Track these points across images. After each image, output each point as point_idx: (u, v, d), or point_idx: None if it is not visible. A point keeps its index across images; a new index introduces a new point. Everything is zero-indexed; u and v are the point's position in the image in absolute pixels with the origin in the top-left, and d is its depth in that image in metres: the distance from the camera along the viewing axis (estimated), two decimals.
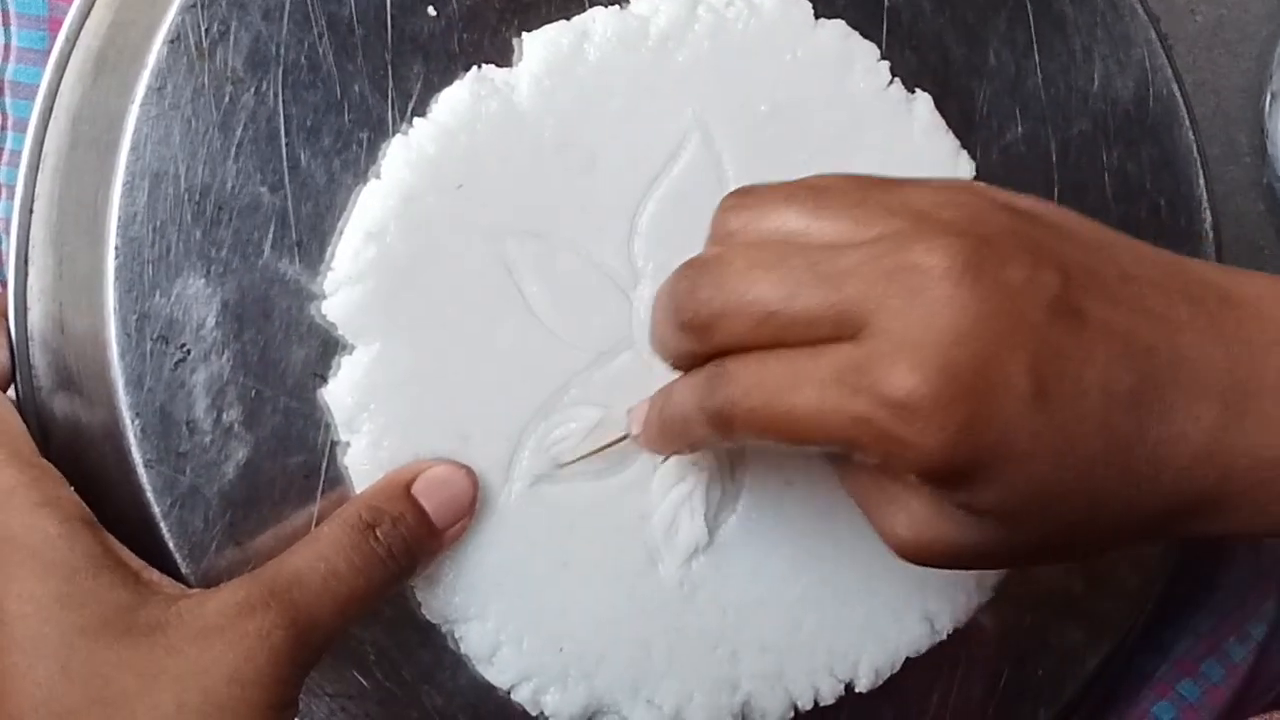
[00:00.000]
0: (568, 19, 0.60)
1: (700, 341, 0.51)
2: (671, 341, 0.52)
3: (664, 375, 0.58)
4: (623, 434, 0.59)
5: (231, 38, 0.56)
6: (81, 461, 0.56)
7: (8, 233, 0.60)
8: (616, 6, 0.61)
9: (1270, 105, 0.81)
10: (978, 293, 0.46)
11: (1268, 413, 0.49)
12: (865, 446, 0.47)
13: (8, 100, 0.67)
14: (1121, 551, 0.66)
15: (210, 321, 0.55)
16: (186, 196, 0.55)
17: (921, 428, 0.46)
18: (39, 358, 0.59)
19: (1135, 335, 0.48)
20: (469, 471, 0.58)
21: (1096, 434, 0.48)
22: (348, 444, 0.57)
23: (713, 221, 0.52)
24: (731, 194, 0.53)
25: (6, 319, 0.59)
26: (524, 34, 0.60)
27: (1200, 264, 0.53)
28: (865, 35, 0.64)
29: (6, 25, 0.67)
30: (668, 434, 0.55)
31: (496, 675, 0.59)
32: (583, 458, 0.59)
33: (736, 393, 0.49)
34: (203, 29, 0.56)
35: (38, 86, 0.59)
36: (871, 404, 0.46)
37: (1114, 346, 0.48)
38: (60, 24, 0.60)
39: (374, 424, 0.57)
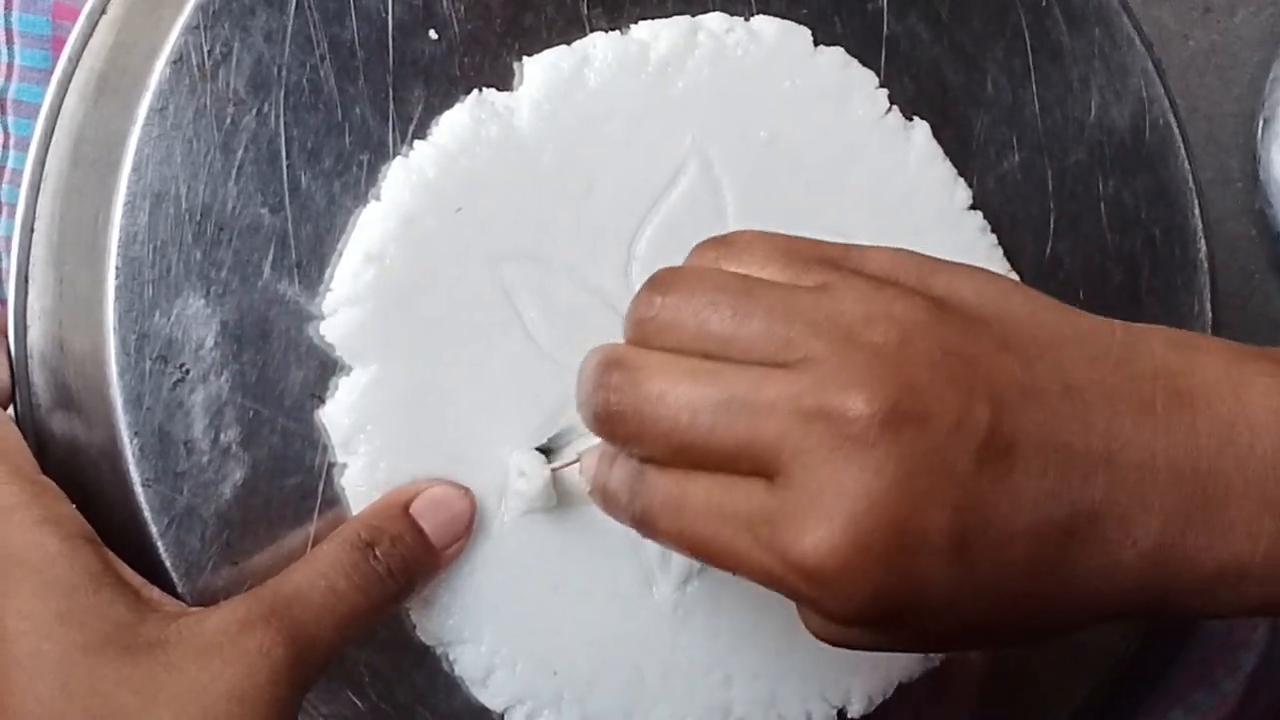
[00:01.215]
0: (568, 44, 0.60)
1: (620, 444, 0.50)
2: (593, 428, 0.51)
3: None
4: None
5: (234, 59, 0.56)
6: (79, 480, 0.56)
7: (8, 251, 0.60)
8: (617, 32, 0.61)
9: (1262, 131, 0.81)
10: (896, 451, 0.44)
11: (1210, 525, 0.48)
12: (779, 591, 0.47)
13: (9, 119, 0.67)
14: None
15: (209, 342, 0.55)
16: (187, 217, 0.55)
17: (829, 593, 0.45)
18: (38, 376, 0.59)
19: (1071, 462, 0.46)
20: (467, 492, 0.58)
21: (1022, 576, 0.47)
22: (344, 465, 0.57)
23: (630, 310, 0.50)
24: (650, 282, 0.50)
25: (6, 337, 0.59)
26: (525, 58, 0.60)
27: (1156, 338, 0.50)
28: (864, 63, 0.64)
29: (9, 44, 0.67)
30: (606, 506, 0.54)
31: (490, 698, 0.59)
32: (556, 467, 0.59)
33: (655, 507, 0.49)
34: (205, 50, 0.56)
35: (39, 105, 0.59)
36: (780, 565, 0.45)
37: (1045, 483, 0.46)
38: (63, 43, 0.60)
39: (371, 446, 0.57)
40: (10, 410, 0.59)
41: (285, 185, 0.56)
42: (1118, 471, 0.47)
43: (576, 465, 0.56)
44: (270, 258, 0.56)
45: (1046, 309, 0.49)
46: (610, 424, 0.49)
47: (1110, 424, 0.47)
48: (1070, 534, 0.47)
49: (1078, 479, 0.46)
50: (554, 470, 0.59)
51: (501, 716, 0.60)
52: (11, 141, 0.67)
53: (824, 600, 0.46)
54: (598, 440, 0.52)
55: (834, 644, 0.50)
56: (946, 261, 0.50)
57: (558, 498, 0.59)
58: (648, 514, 0.49)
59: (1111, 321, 0.50)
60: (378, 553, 0.54)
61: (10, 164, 0.67)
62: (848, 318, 0.46)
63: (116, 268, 0.55)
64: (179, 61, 0.56)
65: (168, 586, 0.55)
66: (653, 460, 0.49)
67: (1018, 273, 0.65)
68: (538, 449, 0.59)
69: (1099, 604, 0.48)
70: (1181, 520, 0.47)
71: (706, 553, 0.48)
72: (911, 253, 0.50)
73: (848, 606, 0.46)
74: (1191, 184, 0.69)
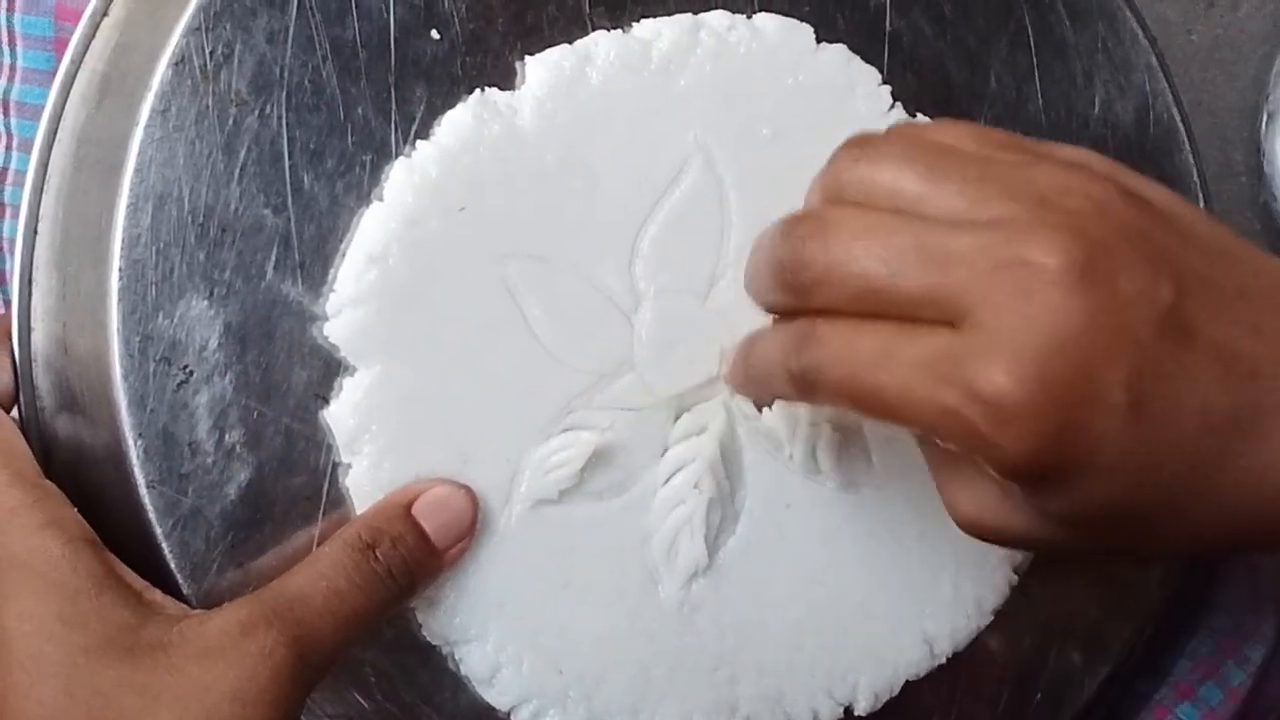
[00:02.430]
0: (570, 42, 0.60)
1: (798, 301, 0.49)
2: (768, 295, 0.51)
3: (667, 395, 0.59)
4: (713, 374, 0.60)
5: (236, 60, 0.56)
6: (84, 482, 0.57)
7: (12, 253, 0.60)
8: (619, 30, 0.61)
9: (1266, 124, 0.81)
10: (1086, 302, 0.45)
11: None
12: (949, 437, 0.46)
13: (12, 120, 0.67)
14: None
15: (213, 343, 0.56)
16: (190, 218, 0.55)
17: (1009, 431, 0.45)
18: (42, 378, 0.59)
19: (1241, 358, 0.47)
20: (469, 492, 0.58)
21: (1185, 455, 0.47)
22: (349, 465, 0.57)
23: (825, 169, 0.51)
24: (847, 143, 0.51)
25: (10, 340, 0.59)
26: (527, 57, 0.60)
27: None
28: (867, 60, 0.64)
29: (12, 46, 0.67)
30: (752, 381, 0.55)
31: (496, 697, 0.59)
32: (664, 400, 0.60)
33: (825, 358, 0.48)
34: (207, 52, 0.56)
35: (42, 107, 0.60)
36: (962, 398, 0.45)
37: (1217, 368, 0.47)
38: (65, 45, 0.60)
39: (375, 445, 0.57)
40: (14, 413, 0.59)
41: (288, 186, 0.56)
42: None
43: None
44: (273, 259, 0.56)
45: (1223, 229, 0.50)
46: (796, 271, 0.49)
47: (1278, 333, 0.48)
48: (1235, 425, 0.47)
49: (1245, 375, 0.47)
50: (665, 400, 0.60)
51: (508, 715, 0.60)
52: (14, 143, 0.67)
53: (1001, 437, 0.45)
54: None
55: (979, 526, 0.51)
56: (1130, 170, 0.51)
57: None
58: (815, 367, 0.49)
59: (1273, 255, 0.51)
60: (379, 554, 0.54)
61: (13, 165, 0.67)
62: (1042, 185, 0.47)
63: (120, 269, 0.55)
64: (181, 63, 0.56)
65: (173, 588, 0.55)
66: (827, 312, 0.49)
67: None
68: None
69: (1242, 510, 0.48)
70: None
71: (879, 400, 0.47)
72: (1099, 154, 0.51)
73: (1022, 446, 0.45)
74: (1196, 178, 0.69)
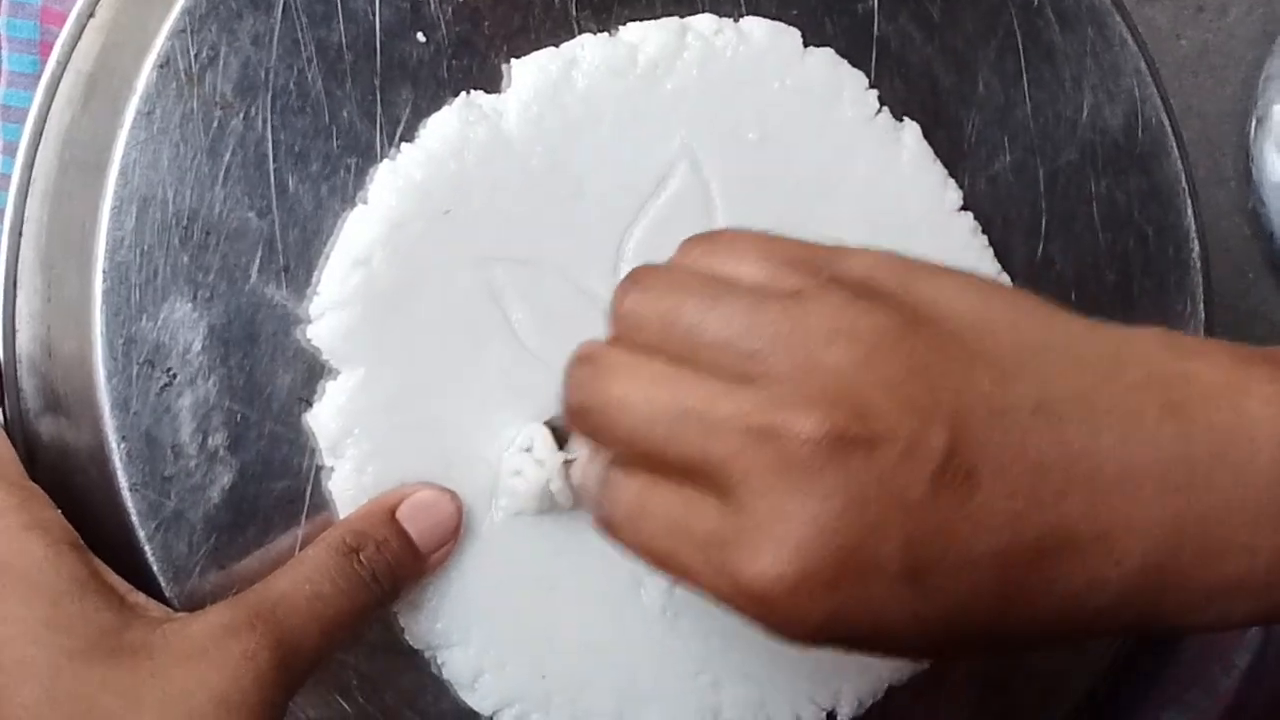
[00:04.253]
0: (556, 45, 0.60)
1: (593, 440, 0.50)
2: (566, 421, 0.51)
3: None
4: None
5: (221, 63, 0.56)
6: (67, 484, 0.57)
7: None
8: (605, 34, 0.61)
9: (1255, 130, 0.81)
10: (843, 477, 0.43)
11: (1208, 541, 0.46)
12: (735, 613, 0.46)
13: None
14: None
15: (196, 346, 0.55)
16: (174, 221, 0.55)
17: (783, 620, 0.45)
18: (26, 380, 0.59)
19: (1044, 481, 0.45)
20: (454, 496, 0.58)
21: (991, 598, 0.45)
22: (332, 469, 0.57)
23: (612, 298, 0.50)
24: (627, 277, 0.51)
25: None
26: (513, 61, 0.60)
27: (1152, 341, 0.48)
28: (854, 64, 0.64)
29: None
30: (582, 504, 0.55)
31: (479, 701, 0.59)
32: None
33: (618, 516, 0.49)
34: (192, 54, 0.56)
35: (27, 110, 0.59)
36: (731, 589, 0.45)
37: (1014, 504, 0.44)
38: (50, 48, 0.60)
39: (358, 449, 0.57)
40: None
41: (272, 189, 0.56)
42: (1098, 488, 0.45)
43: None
44: (257, 261, 0.56)
45: (1031, 316, 0.48)
46: (576, 418, 0.50)
47: (1091, 439, 0.45)
48: (1043, 555, 0.45)
49: (1050, 498, 0.45)
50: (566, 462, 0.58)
51: (490, 719, 0.60)
52: (0, 146, 0.67)
53: (777, 625, 0.45)
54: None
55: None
56: (931, 265, 0.49)
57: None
58: (611, 521, 0.49)
59: (1103, 326, 0.48)
60: (362, 558, 0.54)
61: None
62: (812, 334, 0.46)
63: (104, 272, 0.55)
64: (166, 65, 0.56)
65: (155, 591, 0.55)
66: (618, 461, 0.49)
67: (1009, 274, 0.65)
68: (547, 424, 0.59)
69: (1080, 620, 0.47)
70: (1173, 537, 0.45)
71: (666, 568, 0.48)
72: (896, 256, 0.49)
73: (800, 631, 0.45)
74: (1184, 184, 0.69)
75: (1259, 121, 0.80)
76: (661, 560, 0.48)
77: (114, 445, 0.55)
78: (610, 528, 0.50)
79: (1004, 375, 0.46)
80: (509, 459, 0.59)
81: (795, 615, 0.45)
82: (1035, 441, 0.45)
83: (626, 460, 0.49)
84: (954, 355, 0.46)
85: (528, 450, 0.59)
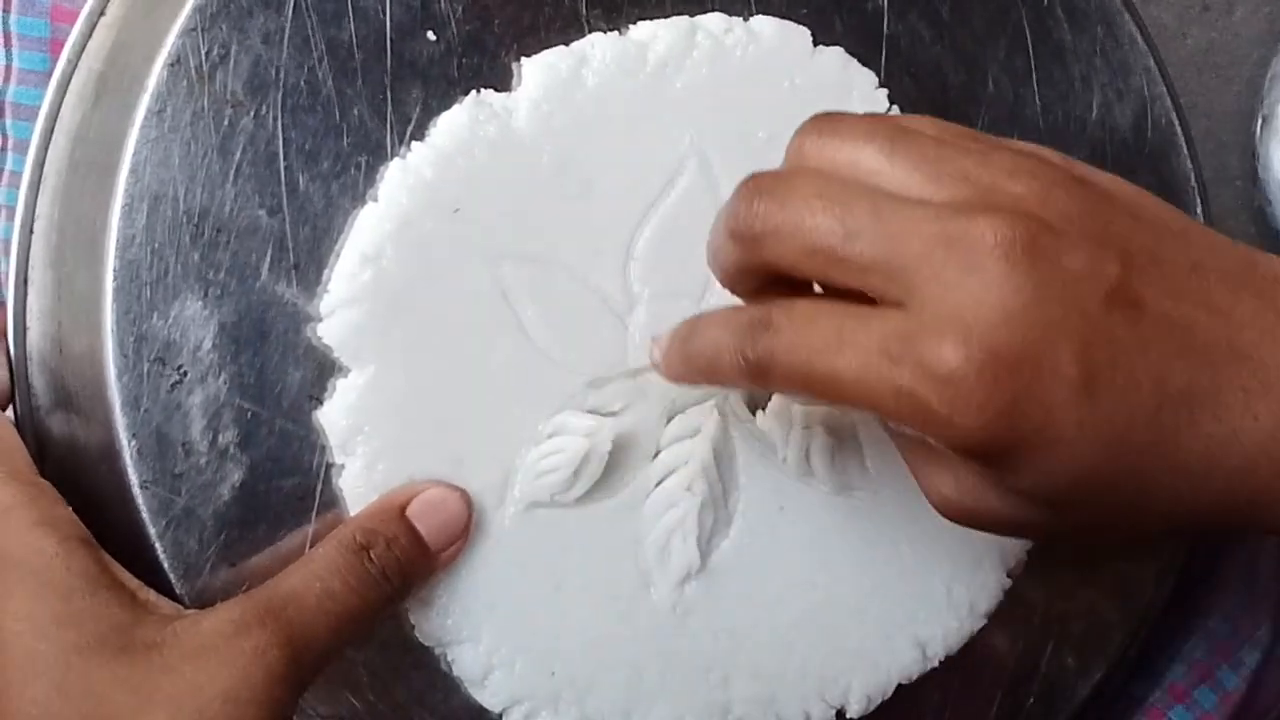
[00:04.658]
0: (567, 44, 0.60)
1: (750, 253, 0.50)
2: (721, 250, 0.51)
3: (661, 397, 0.59)
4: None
5: (231, 61, 0.56)
6: (78, 481, 0.57)
7: (7, 253, 0.60)
8: (615, 32, 0.61)
9: (1261, 129, 0.81)
10: (1032, 276, 0.45)
11: None
12: (906, 419, 0.47)
13: (8, 121, 0.67)
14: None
15: (207, 343, 0.56)
16: (185, 219, 0.55)
17: (962, 406, 0.45)
18: (38, 377, 0.59)
19: (1195, 330, 0.48)
20: (463, 494, 0.58)
21: (1146, 427, 0.47)
22: (342, 466, 0.57)
23: (790, 143, 0.52)
24: (813, 119, 0.51)
25: (6, 338, 0.59)
26: (523, 59, 0.60)
27: (1275, 260, 0.51)
28: (864, 63, 0.64)
29: (8, 47, 0.67)
30: (694, 368, 0.54)
31: (488, 698, 0.59)
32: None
33: (780, 346, 0.49)
34: (203, 52, 0.56)
35: (38, 108, 0.60)
36: (914, 377, 0.46)
37: (1171, 341, 0.47)
38: (61, 46, 0.60)
39: (368, 447, 0.57)
40: (9, 411, 0.60)
41: (283, 187, 0.57)
42: (1237, 350, 0.48)
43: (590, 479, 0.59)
44: (268, 259, 0.56)
45: (1179, 213, 0.51)
46: (750, 221, 0.49)
47: (1232, 308, 0.48)
48: (1192, 396, 0.47)
49: (1200, 348, 0.48)
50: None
51: (500, 716, 0.60)
52: (10, 144, 0.67)
53: (953, 413, 0.46)
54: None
55: (957, 509, 0.51)
56: (1086, 164, 0.52)
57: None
58: (769, 355, 0.49)
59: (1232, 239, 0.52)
60: (373, 555, 0.54)
61: (9, 166, 0.67)
62: (994, 170, 0.48)
63: (115, 269, 0.55)
64: (177, 64, 0.56)
65: (166, 588, 0.55)
66: (775, 270, 0.50)
67: None
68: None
69: (1214, 481, 0.49)
70: None
71: (834, 383, 0.48)
72: (1053, 150, 0.52)
73: (975, 421, 0.46)
74: (1194, 182, 0.69)
75: (1265, 120, 0.80)
76: (829, 375, 0.48)
77: (124, 442, 0.55)
78: (765, 361, 0.49)
79: (1160, 238, 0.49)
80: (537, 450, 0.59)
81: (976, 400, 0.45)
82: (1188, 296, 0.48)
83: (790, 263, 0.49)
84: (1119, 210, 0.49)
85: (552, 437, 0.59)
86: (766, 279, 0.50)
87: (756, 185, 0.50)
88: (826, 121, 0.51)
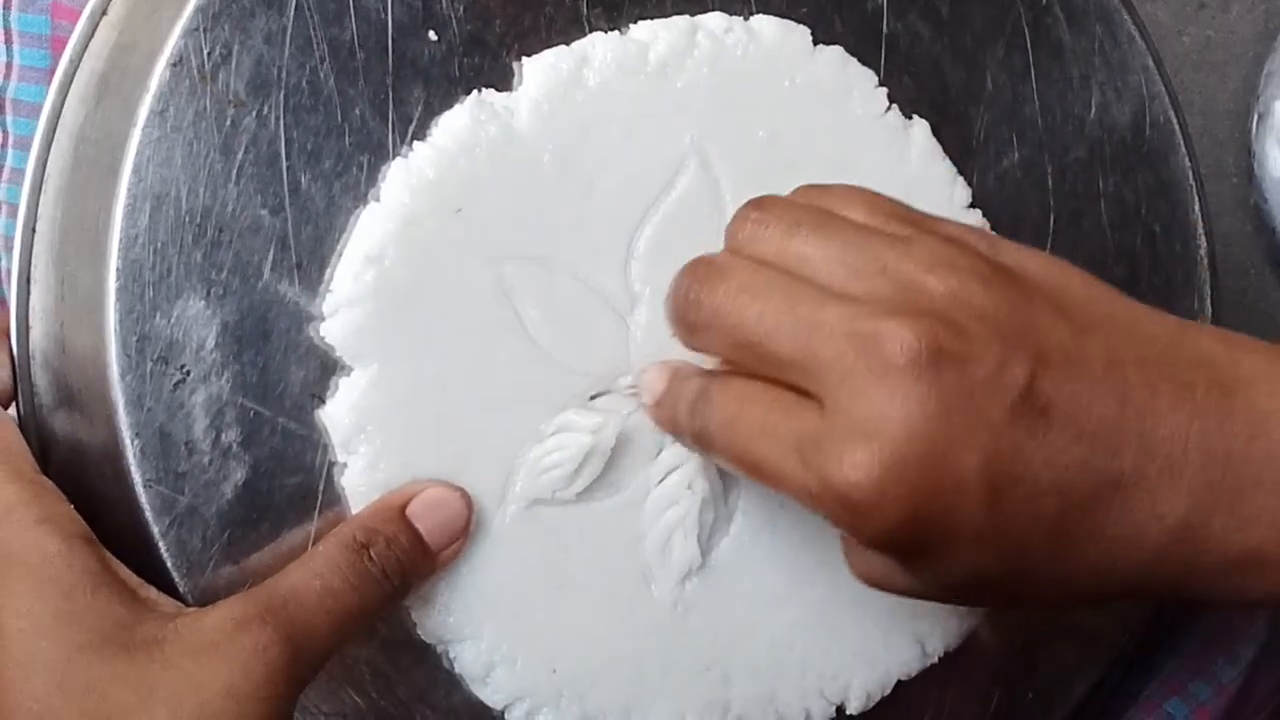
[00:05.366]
0: (568, 44, 0.60)
1: (692, 339, 0.53)
2: (672, 329, 0.54)
3: None
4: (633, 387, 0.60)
5: (234, 61, 0.56)
6: (81, 480, 0.57)
7: (10, 251, 0.60)
8: (616, 32, 0.61)
9: (1257, 126, 0.81)
10: (937, 386, 0.46)
11: (1236, 510, 0.49)
12: (820, 513, 0.49)
13: (9, 118, 0.67)
14: None
15: (210, 343, 0.56)
16: (187, 218, 0.55)
17: (862, 518, 0.47)
18: (40, 376, 0.59)
19: (1104, 431, 0.48)
20: (464, 494, 0.58)
21: (1048, 532, 0.49)
22: (345, 465, 0.57)
23: (730, 221, 0.54)
24: (747, 203, 0.54)
25: (9, 337, 0.59)
26: (524, 59, 0.60)
27: (1206, 335, 0.52)
28: (863, 62, 0.64)
29: (9, 43, 0.67)
30: (664, 422, 0.57)
31: (490, 696, 0.59)
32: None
33: (713, 425, 0.52)
34: (205, 52, 0.56)
35: (39, 105, 0.60)
36: (820, 486, 0.48)
37: (1078, 446, 0.48)
38: (62, 43, 0.61)
39: (371, 446, 0.57)
40: (12, 410, 0.60)
41: (285, 186, 0.57)
42: (1149, 448, 0.49)
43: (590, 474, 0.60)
44: (270, 259, 0.56)
45: (1104, 292, 0.52)
46: (687, 310, 0.52)
47: (1148, 402, 0.49)
48: (1097, 500, 0.48)
49: (1109, 450, 0.48)
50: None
51: (501, 714, 0.60)
52: (11, 140, 0.67)
53: (858, 522, 0.48)
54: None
55: (870, 582, 0.53)
56: (1012, 242, 0.53)
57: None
58: (705, 431, 0.52)
59: (1164, 313, 0.52)
60: (373, 554, 0.55)
61: (10, 163, 0.67)
62: (915, 261, 0.49)
63: (117, 269, 0.55)
64: (179, 63, 0.56)
65: (169, 586, 0.55)
66: (712, 371, 0.53)
67: None
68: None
69: (1120, 574, 0.50)
70: (1209, 502, 0.49)
71: (757, 471, 0.50)
72: (982, 230, 0.55)
73: (879, 529, 0.47)
74: (1192, 180, 0.69)
75: (1261, 117, 0.80)
76: (753, 462, 0.50)
77: (127, 441, 0.55)
78: (703, 437, 0.53)
79: (1079, 331, 0.49)
80: (540, 447, 0.59)
81: (878, 512, 0.47)
82: (1103, 395, 0.49)
83: (723, 355, 0.52)
84: (1037, 305, 0.49)
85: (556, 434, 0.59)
86: None
87: (693, 273, 0.53)
88: (758, 207, 0.53)
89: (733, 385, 0.52)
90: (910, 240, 0.51)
